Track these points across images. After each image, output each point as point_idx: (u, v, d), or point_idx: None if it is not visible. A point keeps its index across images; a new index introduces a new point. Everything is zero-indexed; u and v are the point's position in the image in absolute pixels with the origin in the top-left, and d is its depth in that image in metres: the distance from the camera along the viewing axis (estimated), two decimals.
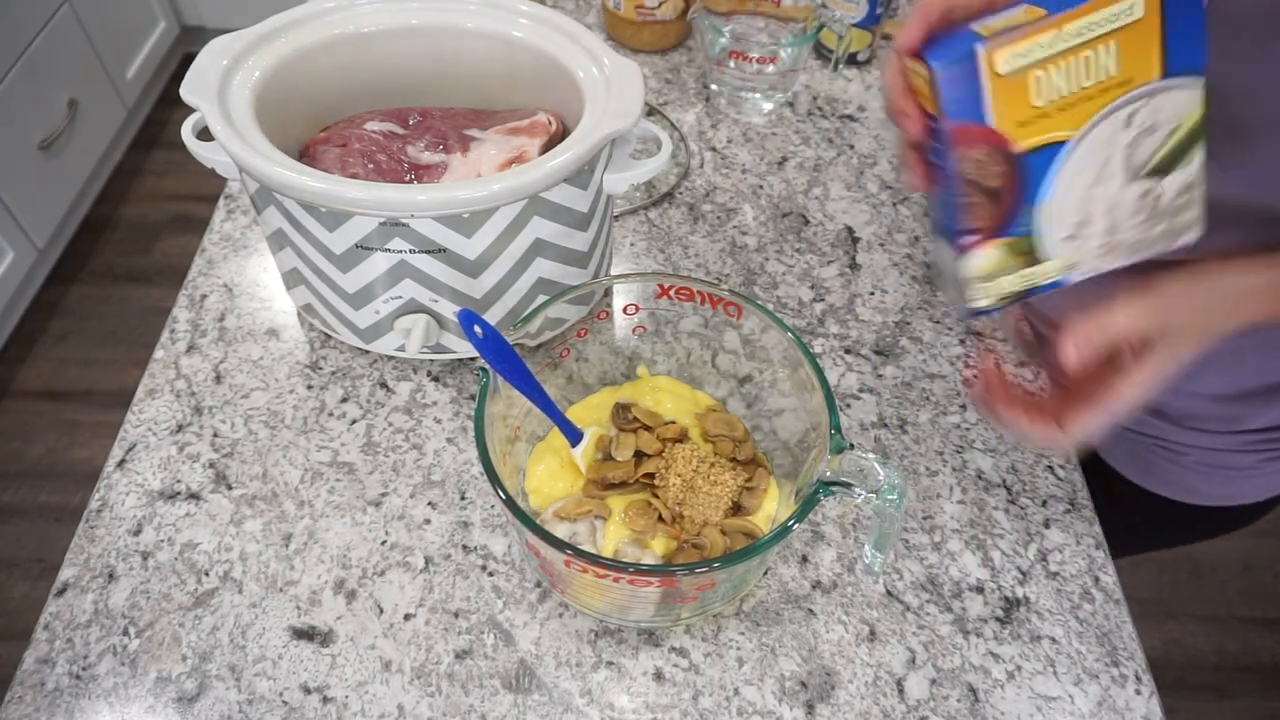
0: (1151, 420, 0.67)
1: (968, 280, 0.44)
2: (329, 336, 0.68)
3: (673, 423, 0.56)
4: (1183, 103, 0.40)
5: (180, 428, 0.63)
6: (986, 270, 0.44)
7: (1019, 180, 0.41)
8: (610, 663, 0.52)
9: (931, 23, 0.40)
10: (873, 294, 0.72)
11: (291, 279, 0.63)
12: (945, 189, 0.42)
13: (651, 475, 0.53)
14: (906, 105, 0.41)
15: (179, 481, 0.60)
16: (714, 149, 0.85)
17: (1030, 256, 0.43)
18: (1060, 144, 0.40)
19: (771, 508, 0.53)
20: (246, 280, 0.72)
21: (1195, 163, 0.42)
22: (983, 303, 0.45)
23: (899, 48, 0.40)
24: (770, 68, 0.84)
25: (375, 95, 0.67)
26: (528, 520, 0.42)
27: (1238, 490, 0.69)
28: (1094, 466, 0.61)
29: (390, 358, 0.67)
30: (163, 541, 0.57)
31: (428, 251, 0.55)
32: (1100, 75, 0.39)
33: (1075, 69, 0.38)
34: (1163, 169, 0.42)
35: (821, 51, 0.94)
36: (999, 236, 0.43)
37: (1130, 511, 0.61)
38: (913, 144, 0.43)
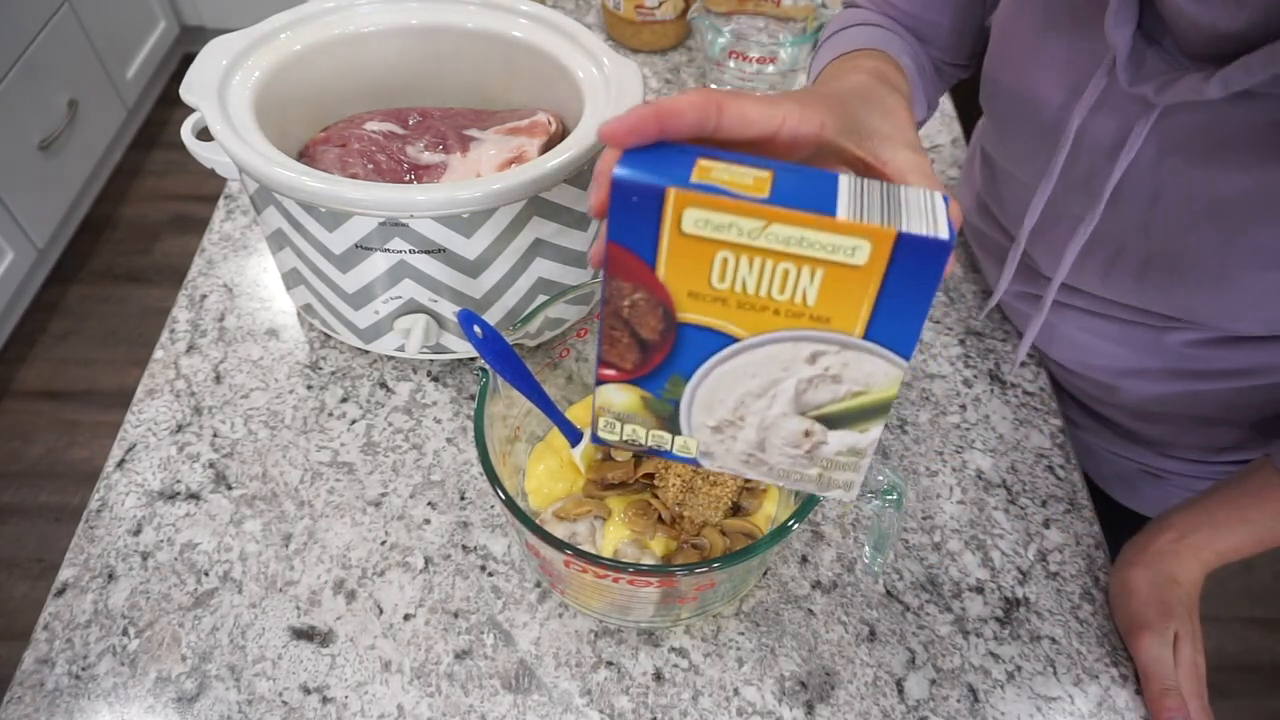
0: (1135, 447, 0.69)
1: (598, 407, 0.39)
2: (329, 336, 0.68)
3: None
4: (878, 373, 0.34)
5: (180, 428, 0.63)
6: (618, 408, 0.39)
7: (673, 346, 0.35)
8: (610, 663, 0.52)
9: (644, 129, 0.33)
10: None
11: (291, 279, 0.63)
12: (602, 302, 0.35)
13: (651, 475, 0.52)
14: (602, 175, 0.34)
15: (179, 482, 0.60)
16: None
17: (666, 421, 0.39)
18: (729, 336, 0.34)
19: (771, 508, 0.53)
20: (246, 280, 0.72)
21: (871, 433, 0.37)
22: (609, 437, 0.40)
23: (604, 131, 0.33)
24: (770, 68, 0.84)
25: (375, 95, 0.67)
26: (527, 520, 0.42)
27: None
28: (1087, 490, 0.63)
29: (390, 358, 0.67)
30: (162, 542, 0.57)
31: (427, 251, 0.55)
32: (795, 297, 0.32)
33: (770, 276, 0.32)
34: (834, 423, 0.37)
35: None
36: (637, 386, 0.38)
37: (1123, 534, 0.62)
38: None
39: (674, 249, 0.32)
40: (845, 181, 0.32)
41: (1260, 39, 0.39)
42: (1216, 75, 0.40)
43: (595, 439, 0.41)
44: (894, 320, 0.33)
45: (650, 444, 0.40)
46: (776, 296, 0.33)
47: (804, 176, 0.32)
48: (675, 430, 0.39)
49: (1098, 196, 0.50)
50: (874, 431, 0.37)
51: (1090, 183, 0.52)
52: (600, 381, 0.38)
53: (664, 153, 0.33)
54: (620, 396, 0.39)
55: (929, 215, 0.31)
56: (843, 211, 0.30)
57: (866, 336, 0.33)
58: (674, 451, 0.40)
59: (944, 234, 0.30)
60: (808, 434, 0.37)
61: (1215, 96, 0.41)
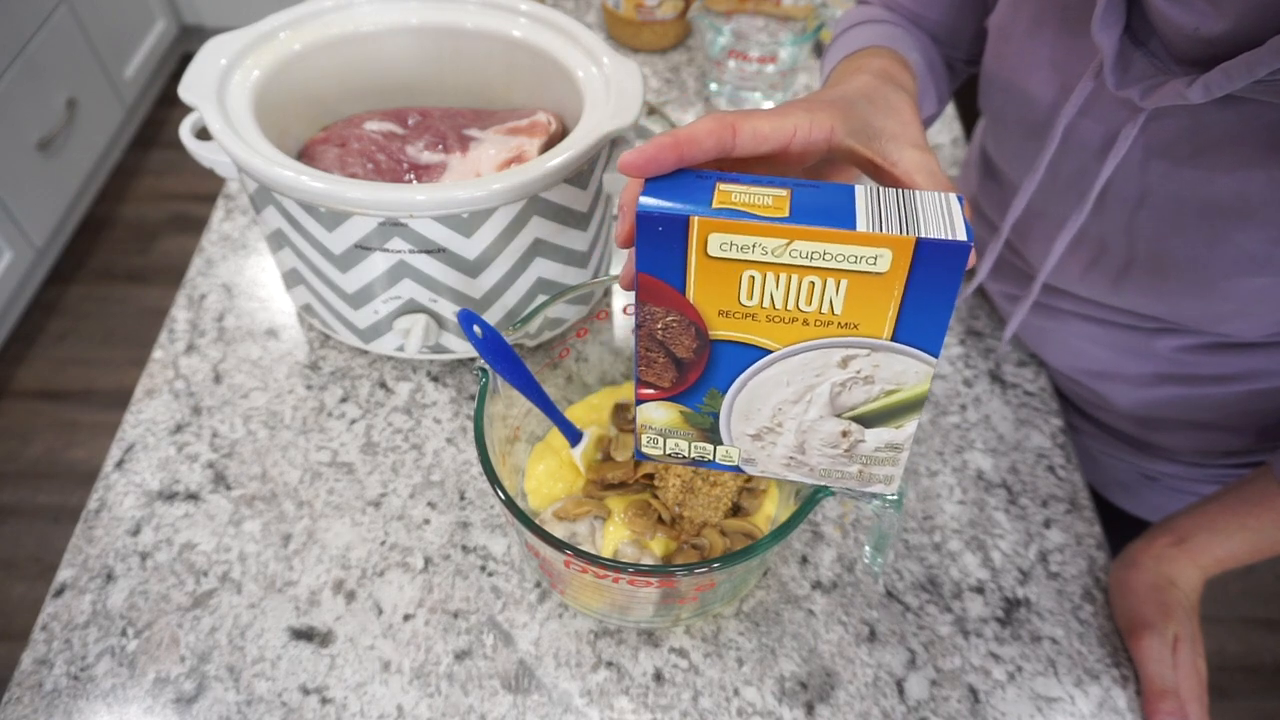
0: (1134, 452, 0.69)
1: (640, 425, 0.41)
2: (328, 336, 0.68)
3: None
4: (909, 372, 0.35)
5: (179, 428, 0.62)
6: (659, 425, 0.40)
7: (708, 362, 0.37)
8: (610, 663, 0.52)
9: (663, 159, 0.34)
10: None
11: (291, 279, 0.63)
12: (636, 326, 0.37)
13: (651, 476, 0.52)
14: (626, 207, 0.35)
15: (178, 482, 0.60)
16: None
17: (707, 433, 0.40)
18: (761, 349, 0.36)
19: (771, 508, 0.53)
20: (245, 280, 0.72)
21: (906, 429, 0.38)
22: (653, 452, 0.42)
23: (623, 162, 0.34)
24: (770, 67, 0.84)
25: (375, 95, 0.67)
26: (527, 520, 0.42)
27: None
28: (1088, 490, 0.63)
29: (390, 358, 0.67)
30: (161, 542, 0.57)
31: (427, 251, 0.55)
32: (821, 307, 0.34)
33: (796, 289, 0.33)
34: (869, 422, 0.38)
35: (821, 51, 0.93)
36: (676, 402, 0.39)
37: (1123, 539, 0.63)
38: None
39: (702, 272, 0.34)
40: (861, 193, 0.33)
41: (1242, 44, 0.39)
42: (1198, 80, 0.40)
43: (640, 455, 0.42)
44: (920, 321, 0.33)
45: (694, 455, 0.42)
46: (804, 308, 0.34)
47: (821, 192, 0.33)
48: (717, 441, 0.40)
49: (1085, 196, 0.51)
50: (909, 427, 0.38)
51: (1079, 182, 0.52)
52: (640, 401, 0.40)
53: (684, 180, 0.34)
54: (660, 414, 0.40)
55: (945, 218, 0.31)
56: (861, 223, 0.31)
57: (895, 339, 0.34)
58: (717, 461, 0.42)
59: (961, 236, 0.31)
60: (845, 434, 0.38)
61: (1197, 101, 0.41)
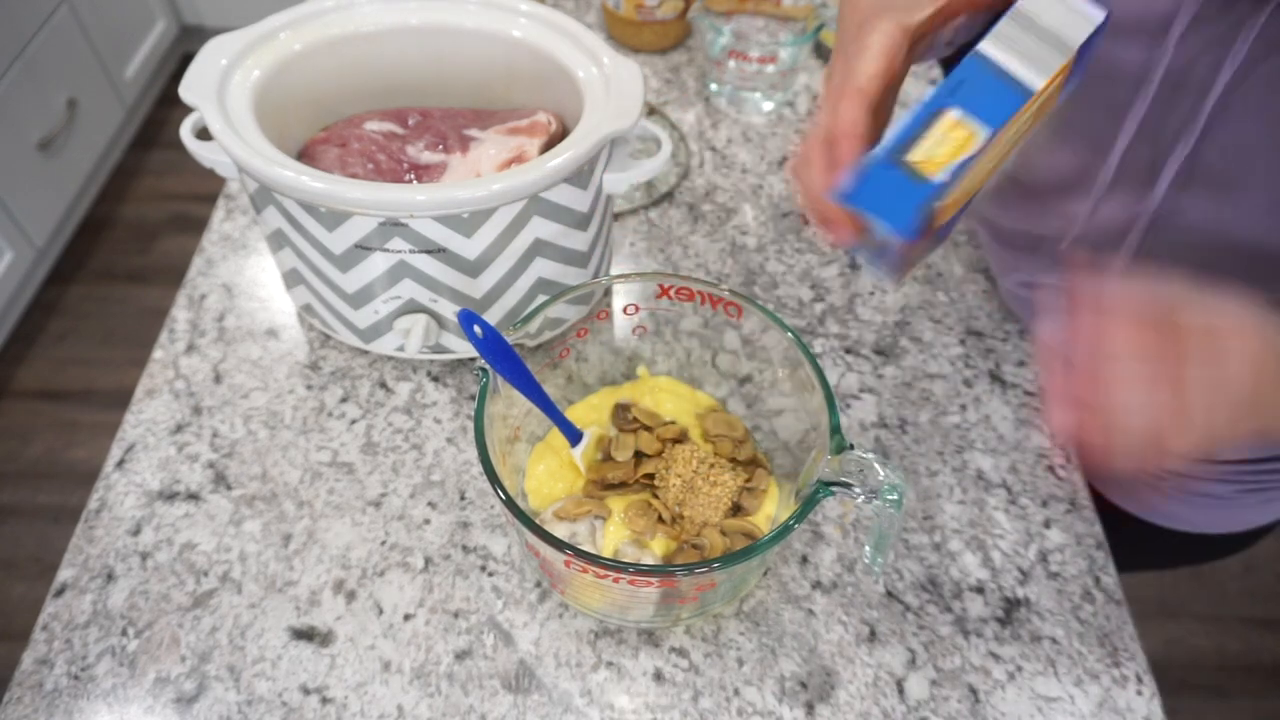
0: None
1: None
2: (328, 336, 0.68)
3: (672, 423, 0.56)
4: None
5: (179, 428, 0.62)
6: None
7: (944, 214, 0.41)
8: (610, 663, 0.52)
9: (839, 156, 0.38)
10: (872, 294, 0.72)
11: (291, 279, 0.63)
12: (888, 252, 0.41)
13: (651, 476, 0.52)
14: (834, 218, 0.39)
15: (178, 482, 0.60)
16: (714, 149, 0.84)
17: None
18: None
19: (771, 508, 0.53)
20: (245, 280, 0.72)
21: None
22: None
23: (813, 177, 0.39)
24: (770, 67, 0.84)
25: (375, 95, 0.67)
26: (527, 520, 0.42)
27: (1217, 519, 0.71)
28: (1088, 490, 0.62)
29: (390, 358, 0.67)
30: (162, 542, 0.57)
31: (427, 251, 0.55)
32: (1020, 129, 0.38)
33: (1003, 142, 0.38)
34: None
35: (822, 51, 0.93)
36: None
37: (1121, 536, 0.62)
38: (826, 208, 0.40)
39: (946, 205, 0.37)
40: (996, 53, 0.35)
41: None
42: None
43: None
44: (1081, 58, 0.37)
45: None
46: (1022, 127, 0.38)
47: (972, 84, 0.36)
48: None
49: (1198, 110, 0.48)
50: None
51: (1185, 109, 0.49)
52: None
53: (875, 177, 0.36)
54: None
55: (1067, 6, 0.35)
56: (1033, 81, 0.35)
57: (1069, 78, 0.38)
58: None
59: (1097, 17, 0.35)
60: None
61: None
